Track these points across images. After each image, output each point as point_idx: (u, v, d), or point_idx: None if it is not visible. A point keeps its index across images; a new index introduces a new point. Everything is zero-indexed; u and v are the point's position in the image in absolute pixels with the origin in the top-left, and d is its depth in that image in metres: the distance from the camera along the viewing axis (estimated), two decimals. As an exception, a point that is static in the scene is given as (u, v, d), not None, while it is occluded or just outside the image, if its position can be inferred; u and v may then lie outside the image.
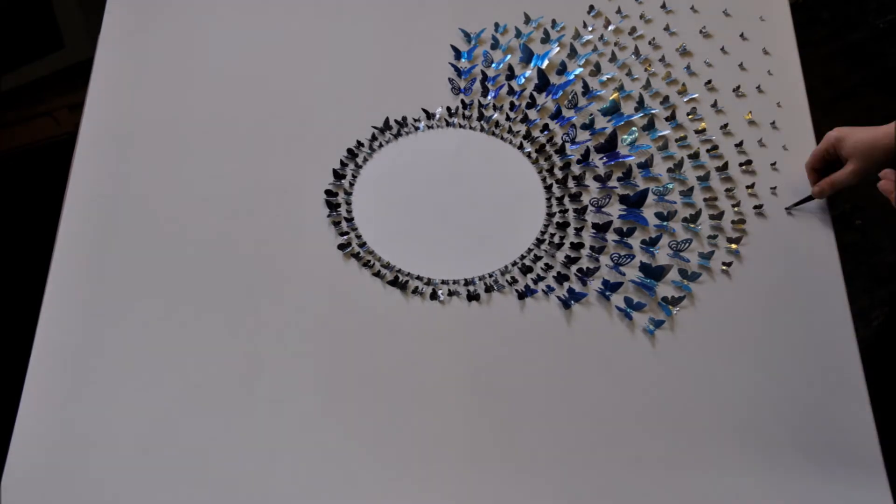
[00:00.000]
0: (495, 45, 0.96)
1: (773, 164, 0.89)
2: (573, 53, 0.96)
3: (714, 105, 0.93)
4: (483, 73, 0.93)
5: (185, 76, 0.91)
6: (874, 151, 0.79)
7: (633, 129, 0.90)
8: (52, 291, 0.78)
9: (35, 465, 0.70)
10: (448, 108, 0.91)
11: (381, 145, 0.88)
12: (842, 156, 0.81)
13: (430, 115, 0.90)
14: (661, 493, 0.71)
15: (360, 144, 0.88)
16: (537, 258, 0.82)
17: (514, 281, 0.81)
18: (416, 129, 0.89)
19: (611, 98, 0.92)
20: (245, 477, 0.70)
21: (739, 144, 0.90)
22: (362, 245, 0.82)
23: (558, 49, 0.95)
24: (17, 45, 1.49)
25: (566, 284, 0.81)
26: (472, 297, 0.79)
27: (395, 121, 0.89)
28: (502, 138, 0.89)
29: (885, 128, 0.79)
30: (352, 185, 0.86)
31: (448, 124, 0.90)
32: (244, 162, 0.86)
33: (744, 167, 0.89)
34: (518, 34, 0.97)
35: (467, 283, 0.80)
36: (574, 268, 0.82)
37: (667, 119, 0.91)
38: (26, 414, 0.72)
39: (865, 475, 0.73)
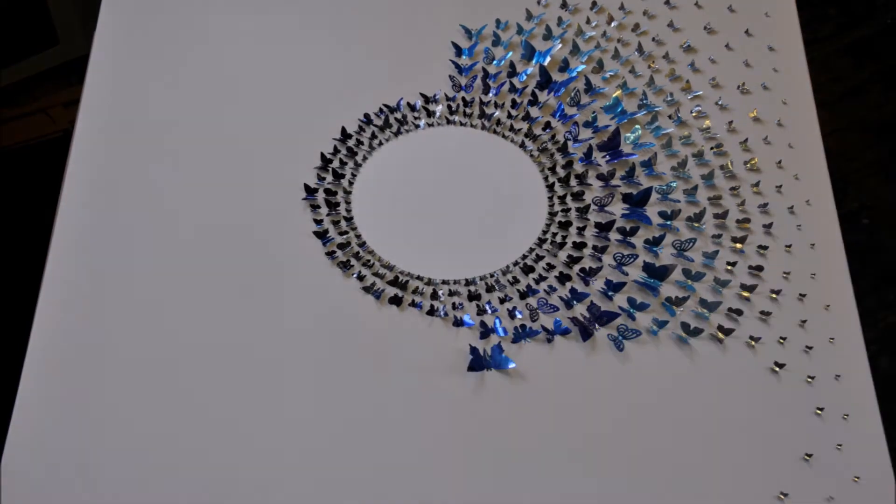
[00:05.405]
0: (497, 41, 0.95)
1: (779, 162, 0.88)
2: (576, 50, 0.94)
3: (718, 102, 0.91)
4: (484, 70, 0.92)
5: (182, 72, 0.91)
6: None
7: (637, 126, 0.89)
8: (48, 289, 0.77)
9: (34, 460, 0.69)
10: (448, 106, 0.90)
11: (380, 143, 0.87)
12: None
13: (430, 113, 0.89)
14: (663, 496, 0.71)
15: (359, 143, 0.87)
16: (539, 258, 0.81)
17: (515, 280, 0.80)
18: (417, 126, 0.89)
19: (614, 95, 0.91)
20: (243, 477, 0.70)
21: (744, 142, 0.89)
22: (362, 245, 0.81)
23: (560, 46, 0.94)
24: (11, 41, 1.48)
25: (568, 284, 0.80)
26: (473, 297, 0.79)
27: (395, 118, 0.89)
28: (504, 136, 0.88)
29: None
30: (351, 184, 0.85)
31: (449, 122, 0.89)
32: (242, 160, 0.85)
33: (748, 165, 0.87)
34: (520, 31, 0.96)
35: (468, 283, 0.79)
36: (576, 267, 0.81)
37: (670, 117, 0.90)
38: (22, 413, 0.71)
39: (871, 473, 0.72)
